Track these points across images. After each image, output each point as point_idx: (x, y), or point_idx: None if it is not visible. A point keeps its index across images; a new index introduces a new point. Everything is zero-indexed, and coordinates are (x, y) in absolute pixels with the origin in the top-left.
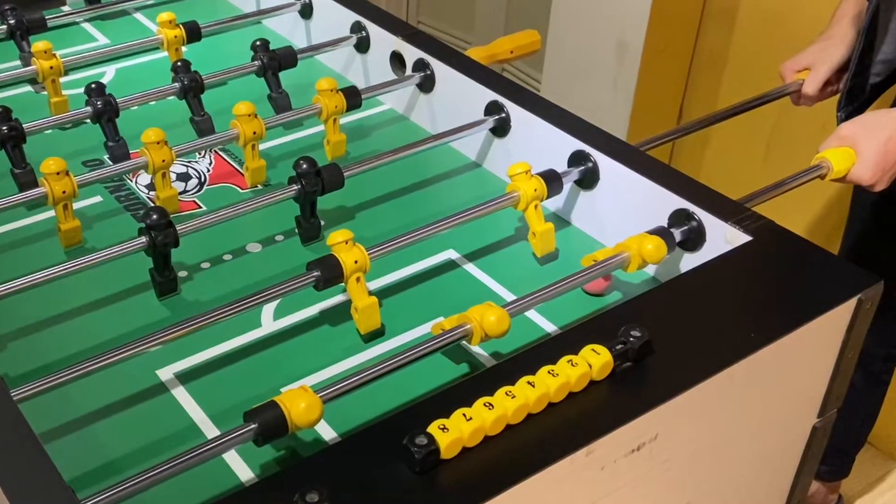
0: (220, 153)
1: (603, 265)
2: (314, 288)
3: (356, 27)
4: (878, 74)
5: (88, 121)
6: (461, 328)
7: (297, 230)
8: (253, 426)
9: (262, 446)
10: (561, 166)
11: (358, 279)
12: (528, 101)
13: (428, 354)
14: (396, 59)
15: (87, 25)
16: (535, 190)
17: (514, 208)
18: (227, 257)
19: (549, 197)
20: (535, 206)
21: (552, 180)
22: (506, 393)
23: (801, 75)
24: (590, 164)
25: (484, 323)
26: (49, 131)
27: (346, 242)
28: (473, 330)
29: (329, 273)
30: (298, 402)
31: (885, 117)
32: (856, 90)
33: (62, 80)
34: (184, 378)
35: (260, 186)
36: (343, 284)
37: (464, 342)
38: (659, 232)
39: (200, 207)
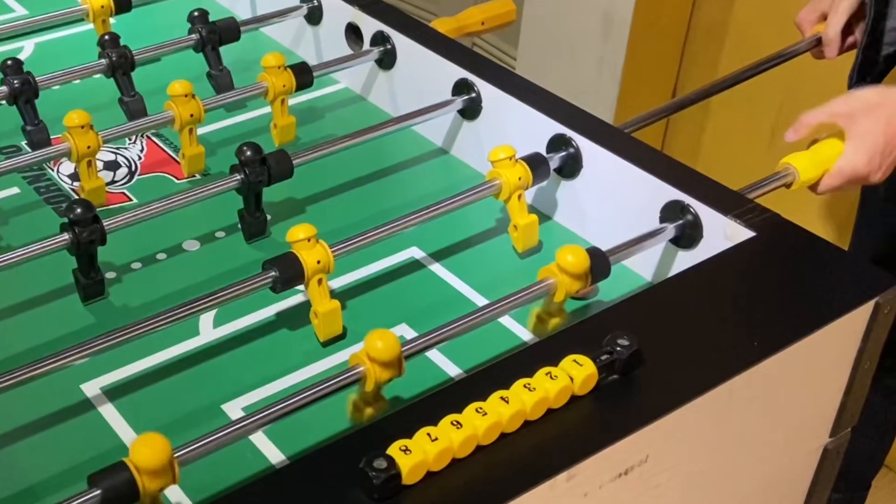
0: (153, 139)
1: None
2: (271, 290)
3: None
4: (892, 44)
5: (4, 102)
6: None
7: (240, 225)
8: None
9: None
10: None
11: (320, 281)
12: (502, 79)
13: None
14: (352, 32)
15: None
16: (520, 178)
17: (494, 198)
18: (161, 256)
19: (534, 184)
20: (519, 196)
21: (538, 166)
22: (476, 410)
23: (822, 27)
24: (571, 150)
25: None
26: None
27: (309, 240)
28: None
29: (288, 273)
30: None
31: (888, 92)
32: (868, 63)
33: None
34: (112, 394)
35: (198, 176)
36: (299, 286)
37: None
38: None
39: (131, 200)
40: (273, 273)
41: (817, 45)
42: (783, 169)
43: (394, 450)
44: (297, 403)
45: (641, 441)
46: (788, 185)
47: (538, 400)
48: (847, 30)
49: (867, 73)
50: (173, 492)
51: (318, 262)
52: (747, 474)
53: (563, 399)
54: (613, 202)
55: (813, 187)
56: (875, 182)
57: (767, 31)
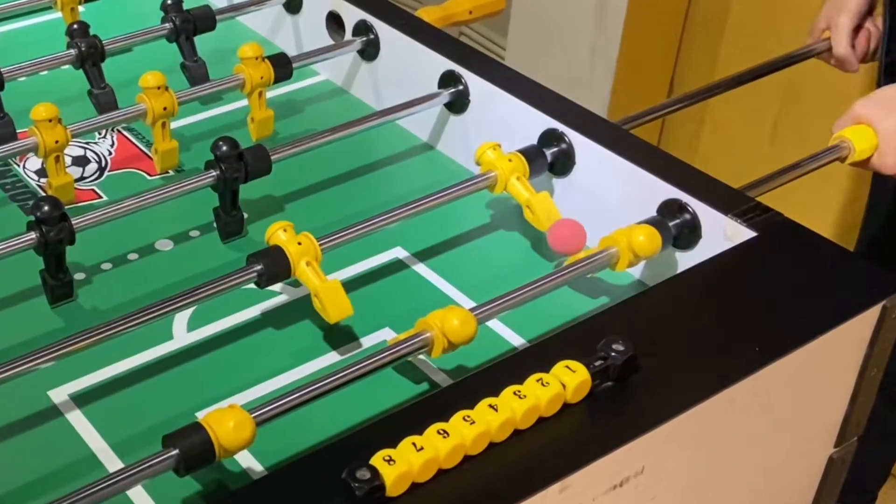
0: (124, 133)
1: (587, 262)
2: (256, 285)
3: None
4: None
5: None
6: (419, 337)
7: (215, 224)
8: (174, 452)
9: (183, 476)
10: None
11: (308, 263)
12: (490, 71)
13: (371, 372)
14: (334, 21)
15: None
16: (515, 168)
17: (489, 191)
18: (133, 256)
19: (530, 179)
20: (518, 178)
21: (535, 158)
22: (463, 418)
23: (828, 33)
24: (563, 146)
25: (446, 327)
26: None
27: (285, 230)
28: (434, 339)
29: (274, 267)
30: (225, 420)
31: None
32: (894, 67)
33: None
34: (81, 400)
35: (171, 172)
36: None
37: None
38: (652, 222)
39: (101, 197)
40: (258, 267)
41: (827, 48)
42: (838, 141)
43: (377, 460)
44: (285, 406)
45: (637, 451)
46: (843, 160)
47: (529, 408)
48: (860, 32)
49: (894, 75)
50: (141, 500)
51: (299, 243)
52: (748, 486)
53: (555, 407)
54: (607, 200)
55: (864, 163)
56: None
57: (768, 18)
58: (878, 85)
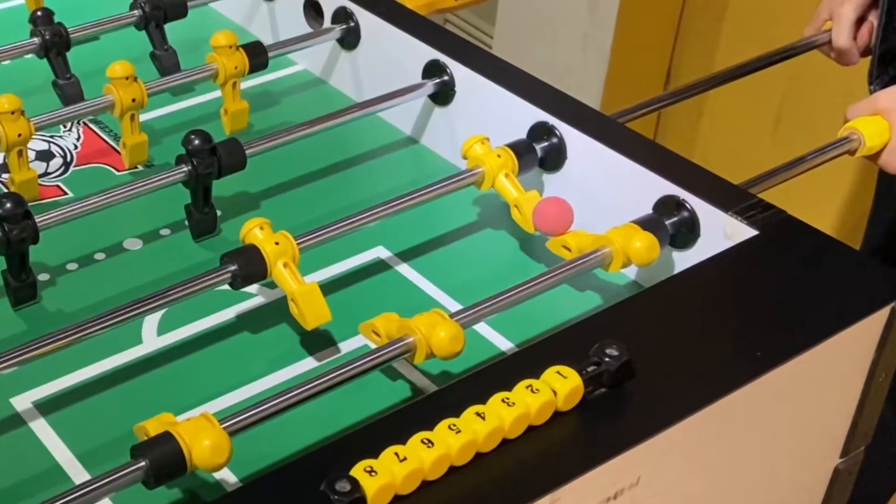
0: (91, 126)
1: (579, 263)
2: (230, 286)
3: None
4: None
5: None
6: (401, 342)
7: (186, 222)
8: (143, 463)
9: (153, 489)
10: None
11: (286, 264)
12: (477, 60)
13: (351, 378)
14: (312, 8)
15: None
16: (503, 164)
17: (476, 188)
18: (100, 256)
19: (519, 174)
20: (507, 175)
21: (525, 153)
22: (449, 427)
23: (830, 24)
24: (554, 140)
25: (432, 339)
26: None
27: (261, 228)
28: (417, 344)
29: (250, 267)
30: (201, 437)
31: None
32: (889, 55)
33: None
34: (45, 408)
35: (140, 167)
36: (253, 292)
37: (403, 359)
38: (650, 225)
39: (66, 194)
40: (232, 267)
41: (828, 41)
42: (848, 133)
43: (358, 471)
44: (261, 414)
45: (632, 461)
46: (852, 153)
47: (518, 416)
48: (862, 30)
49: (888, 66)
50: None
51: (277, 243)
52: (749, 498)
53: (546, 415)
54: (601, 197)
55: (873, 157)
56: None
57: (769, 5)
58: (871, 73)
